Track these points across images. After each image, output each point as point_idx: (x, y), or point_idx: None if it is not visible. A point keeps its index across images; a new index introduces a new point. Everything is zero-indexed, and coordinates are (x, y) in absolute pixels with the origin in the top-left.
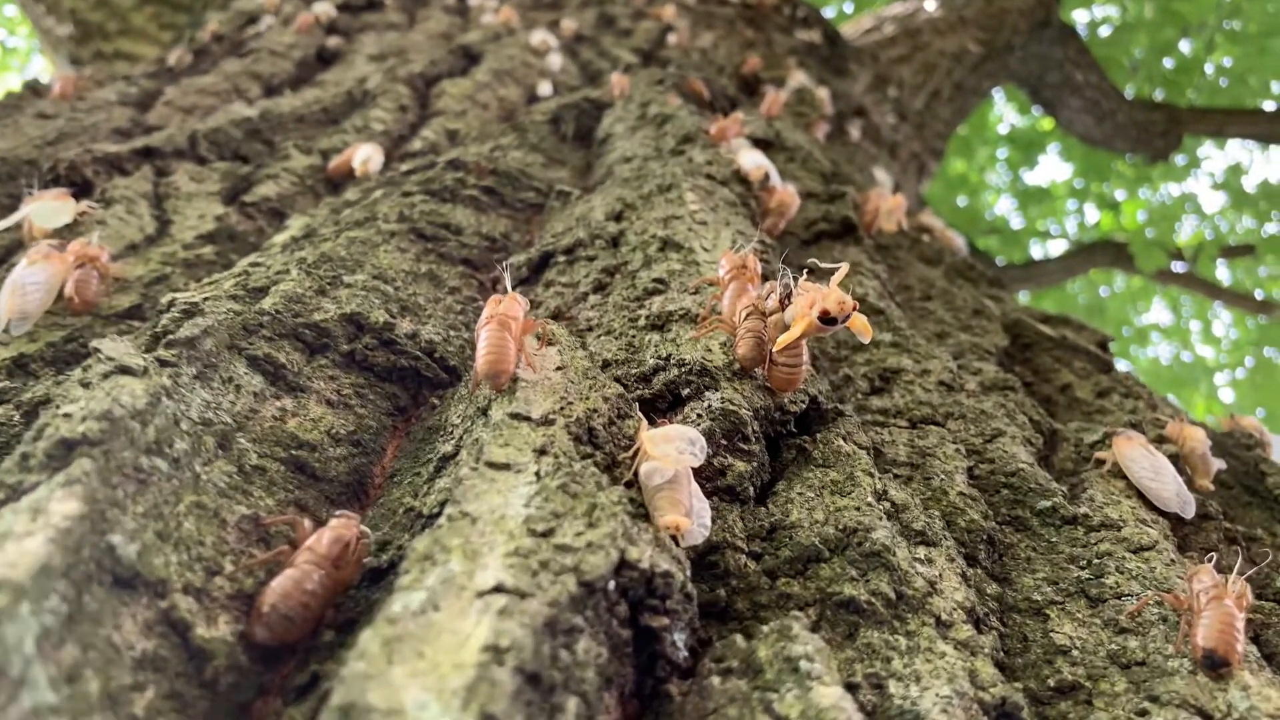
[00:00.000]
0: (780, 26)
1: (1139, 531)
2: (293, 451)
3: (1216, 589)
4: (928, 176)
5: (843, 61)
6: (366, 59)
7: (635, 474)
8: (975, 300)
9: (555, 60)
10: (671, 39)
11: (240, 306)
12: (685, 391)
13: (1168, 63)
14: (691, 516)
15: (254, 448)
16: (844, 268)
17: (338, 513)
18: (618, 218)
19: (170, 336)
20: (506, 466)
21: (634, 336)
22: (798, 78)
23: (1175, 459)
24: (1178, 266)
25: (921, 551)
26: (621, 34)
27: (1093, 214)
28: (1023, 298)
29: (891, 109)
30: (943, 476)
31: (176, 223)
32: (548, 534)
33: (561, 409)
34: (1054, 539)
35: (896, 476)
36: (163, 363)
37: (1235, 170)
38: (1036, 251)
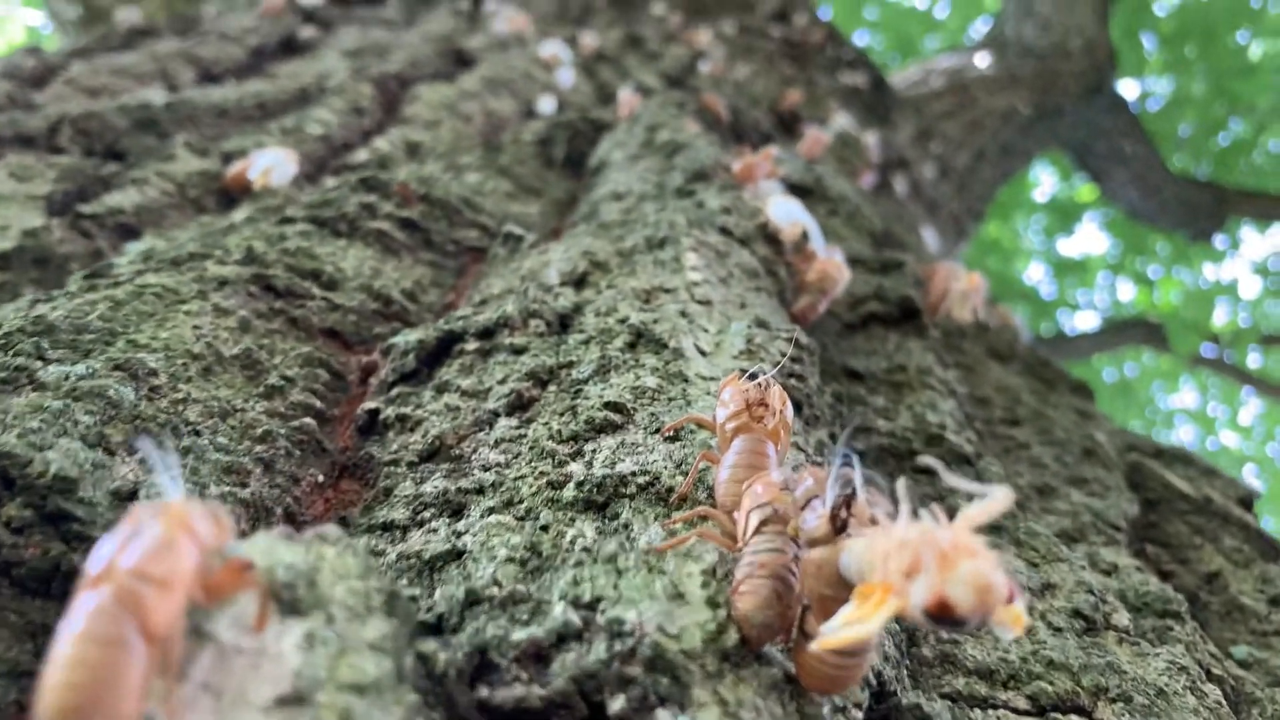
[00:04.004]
0: (824, 66)
1: None
2: None
3: None
4: (965, 239)
5: (886, 110)
6: (340, 54)
7: None
8: (1079, 430)
9: (566, 76)
10: (704, 67)
11: None
12: (616, 706)
13: (1218, 140)
14: None
15: None
16: (999, 500)
17: None
18: (579, 282)
19: None
20: None
21: (548, 525)
22: (840, 120)
23: None
24: (1209, 350)
25: None
26: (649, 56)
27: (1125, 289)
28: None
29: (933, 165)
30: None
31: None
32: None
33: None
34: None
35: None
36: None
37: (1278, 256)
38: (1064, 320)
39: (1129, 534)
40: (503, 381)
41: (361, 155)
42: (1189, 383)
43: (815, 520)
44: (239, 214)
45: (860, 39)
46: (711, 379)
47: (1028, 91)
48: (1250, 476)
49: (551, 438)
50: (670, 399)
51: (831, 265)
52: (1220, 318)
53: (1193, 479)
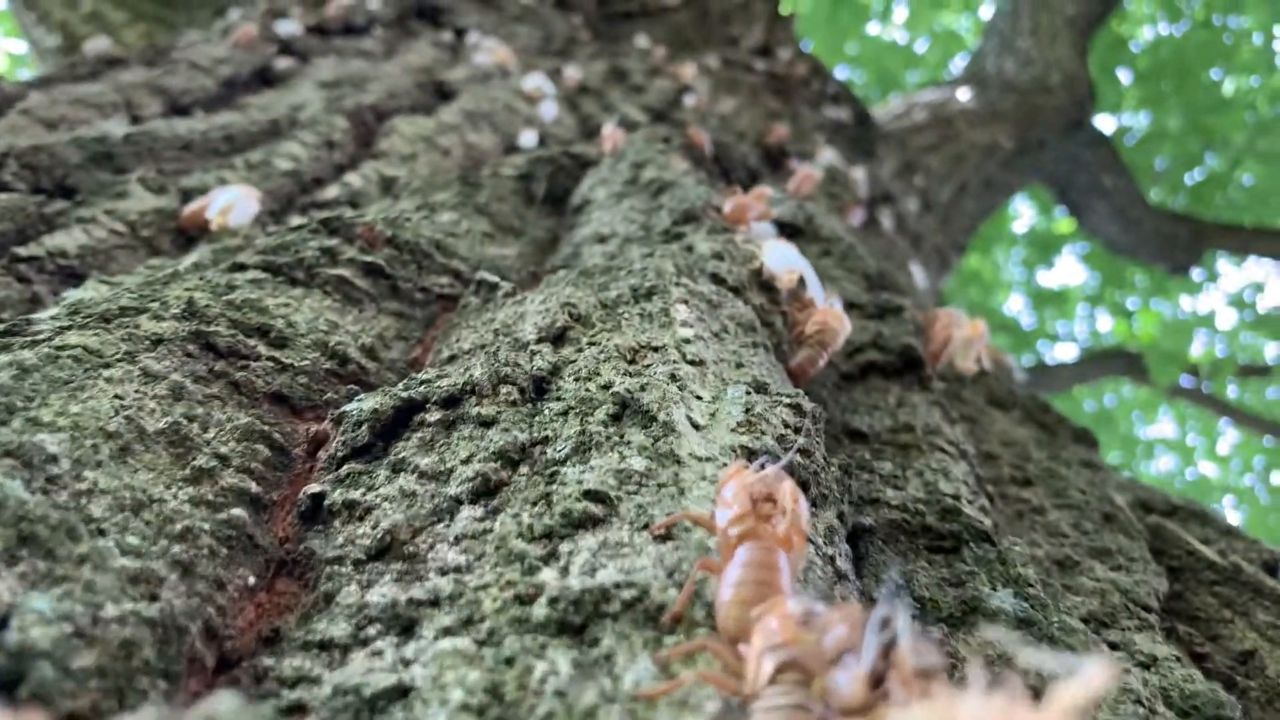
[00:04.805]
0: (808, 100)
1: None
2: None
3: None
4: (948, 271)
5: (871, 144)
6: (315, 85)
7: None
8: (1095, 492)
9: (549, 109)
10: (689, 101)
11: None
12: None
13: (1194, 174)
14: None
15: None
16: (1097, 679)
17: None
18: (557, 339)
19: None
20: None
21: (514, 656)
22: (826, 155)
23: None
24: (1186, 381)
25: None
26: (633, 90)
27: (1104, 320)
28: None
29: (917, 198)
30: None
31: None
32: None
33: None
34: None
35: None
36: None
37: (1255, 288)
38: (1044, 350)
39: (1159, 613)
40: (467, 461)
41: (332, 191)
42: (1167, 413)
43: (850, 683)
44: (189, 259)
45: (840, 74)
46: (707, 459)
47: (1009, 126)
48: (1229, 506)
49: (521, 534)
50: (660, 485)
51: (831, 316)
52: (1197, 349)
53: (1212, 540)
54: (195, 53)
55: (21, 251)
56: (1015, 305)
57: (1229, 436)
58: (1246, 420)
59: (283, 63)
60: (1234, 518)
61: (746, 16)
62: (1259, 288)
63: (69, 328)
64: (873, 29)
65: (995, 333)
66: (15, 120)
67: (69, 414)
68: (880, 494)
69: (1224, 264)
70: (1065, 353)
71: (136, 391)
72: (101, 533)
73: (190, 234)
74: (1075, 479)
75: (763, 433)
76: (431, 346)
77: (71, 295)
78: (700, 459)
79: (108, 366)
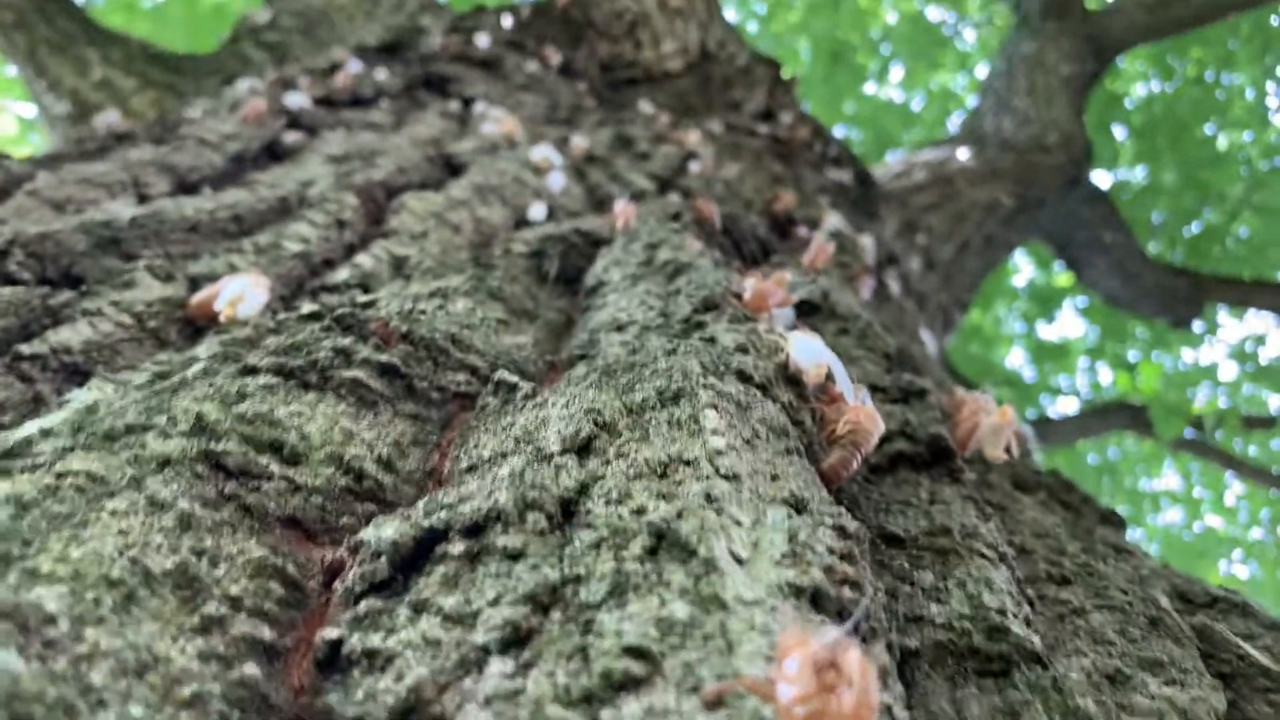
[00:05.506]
0: (811, 163)
1: None
2: None
3: None
4: (952, 329)
5: (873, 206)
6: (324, 159)
7: None
8: (1137, 591)
9: (557, 180)
10: (694, 167)
11: None
12: None
13: (1191, 228)
14: None
15: None
16: None
17: None
18: (583, 449)
19: None
20: None
21: None
22: (832, 220)
23: None
24: (1189, 433)
25: None
26: (638, 157)
27: (1105, 374)
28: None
29: (919, 257)
30: None
31: None
32: None
33: None
34: None
35: None
36: None
37: (1256, 340)
38: (1046, 404)
39: None
40: (495, 603)
41: (343, 274)
42: (1171, 466)
43: None
44: (198, 361)
45: (839, 133)
46: (754, 603)
47: (1009, 184)
48: (1237, 560)
49: (558, 698)
50: (706, 637)
51: (864, 415)
52: (1199, 401)
53: (1257, 636)
54: (203, 128)
55: (24, 349)
56: (1016, 359)
57: (1235, 488)
58: (1251, 473)
59: (291, 136)
60: (1242, 571)
61: (748, 82)
62: (1260, 340)
63: (71, 449)
64: (869, 88)
65: (997, 388)
66: (23, 202)
67: (70, 560)
68: (923, 610)
69: (1224, 316)
70: (1067, 406)
71: (142, 524)
72: (102, 704)
73: (198, 324)
74: (1114, 576)
75: (809, 564)
76: (449, 452)
77: (75, 398)
78: (747, 603)
79: (112, 496)
